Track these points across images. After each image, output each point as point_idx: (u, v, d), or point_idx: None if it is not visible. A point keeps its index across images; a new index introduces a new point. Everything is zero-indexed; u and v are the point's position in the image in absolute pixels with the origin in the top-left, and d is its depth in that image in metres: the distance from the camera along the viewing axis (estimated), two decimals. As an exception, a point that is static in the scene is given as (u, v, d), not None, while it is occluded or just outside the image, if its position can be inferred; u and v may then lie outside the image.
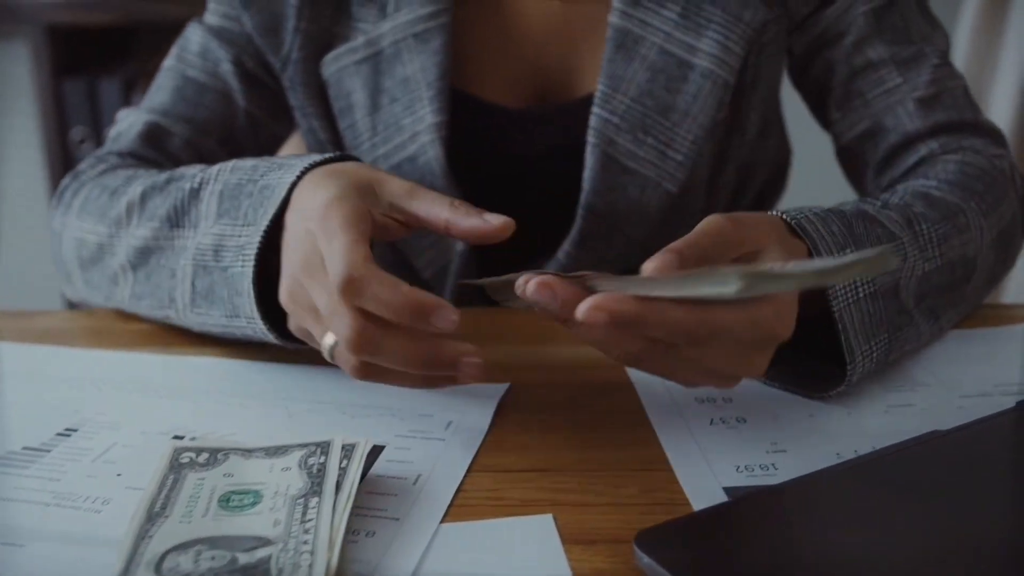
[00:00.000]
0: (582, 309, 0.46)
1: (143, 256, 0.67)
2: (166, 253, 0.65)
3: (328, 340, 0.53)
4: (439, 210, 0.56)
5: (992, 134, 0.80)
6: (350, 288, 0.49)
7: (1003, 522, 0.46)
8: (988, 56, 1.97)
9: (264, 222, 0.59)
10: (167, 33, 0.87)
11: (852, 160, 0.84)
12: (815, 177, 1.29)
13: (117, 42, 2.03)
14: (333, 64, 0.81)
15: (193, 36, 0.85)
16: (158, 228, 0.66)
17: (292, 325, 0.58)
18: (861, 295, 0.58)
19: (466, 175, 0.80)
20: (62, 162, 1.89)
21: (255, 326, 0.60)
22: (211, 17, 0.84)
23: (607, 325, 0.46)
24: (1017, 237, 0.76)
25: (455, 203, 0.56)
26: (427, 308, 0.48)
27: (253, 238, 0.59)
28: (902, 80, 0.79)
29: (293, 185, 0.59)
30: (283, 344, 0.61)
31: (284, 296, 0.56)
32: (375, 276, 0.49)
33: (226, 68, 0.83)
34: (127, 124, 0.83)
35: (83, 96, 1.87)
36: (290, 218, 0.57)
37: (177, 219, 0.65)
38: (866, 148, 0.82)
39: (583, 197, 0.79)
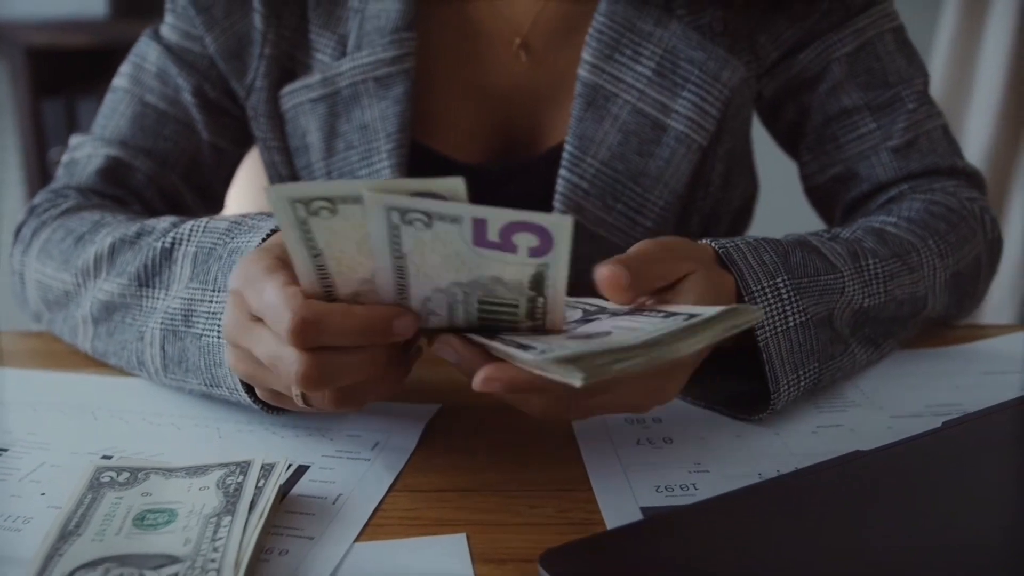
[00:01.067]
0: (477, 381, 0.45)
1: (107, 311, 0.65)
2: (132, 311, 0.63)
3: (295, 390, 0.50)
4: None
5: (969, 177, 0.79)
6: (306, 331, 0.46)
7: (917, 544, 0.46)
8: (968, 57, 2.00)
9: None
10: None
11: (822, 200, 0.84)
12: (787, 204, 1.30)
13: (95, 64, 2.03)
14: (289, 99, 0.79)
15: (150, 54, 0.81)
16: (126, 285, 0.64)
17: (260, 393, 0.54)
18: (791, 324, 0.58)
19: None
20: (41, 182, 1.90)
21: (238, 398, 0.58)
22: (169, 33, 0.80)
23: (503, 392, 0.46)
24: (978, 280, 0.75)
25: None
26: (387, 321, 0.47)
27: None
28: (876, 126, 0.78)
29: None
30: (270, 414, 0.59)
31: (233, 365, 0.53)
32: (326, 310, 0.47)
33: (187, 98, 0.79)
34: (84, 155, 0.80)
35: (62, 116, 1.89)
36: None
37: (147, 278, 0.63)
38: (837, 191, 0.81)
39: None
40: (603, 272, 0.50)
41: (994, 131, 1.98)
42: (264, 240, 0.56)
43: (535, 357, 0.42)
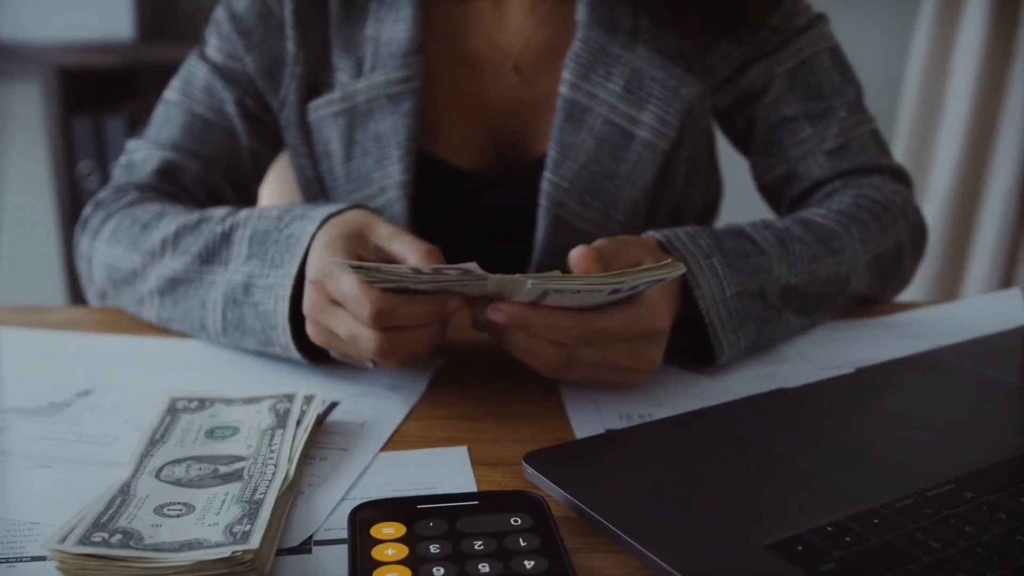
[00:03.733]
0: (490, 311, 0.61)
1: (172, 285, 0.77)
2: (194, 284, 0.75)
3: (367, 356, 0.63)
4: (411, 255, 0.63)
5: (895, 174, 0.93)
6: (382, 317, 0.60)
7: (827, 457, 0.58)
8: (941, 65, 2.17)
9: (293, 267, 0.68)
10: (168, 75, 0.97)
11: (771, 196, 0.98)
12: (752, 203, 1.43)
13: (122, 83, 2.16)
14: (315, 112, 0.91)
15: (198, 71, 0.92)
16: (189, 263, 0.75)
17: (333, 354, 0.68)
18: (728, 294, 0.71)
19: (429, 228, 0.90)
20: (69, 193, 2.02)
21: (289, 354, 0.70)
22: (214, 54, 0.93)
23: (508, 324, 0.61)
24: (902, 261, 0.88)
25: (425, 253, 0.63)
26: (442, 305, 0.61)
27: (284, 281, 0.69)
28: (813, 132, 0.92)
29: (313, 235, 0.68)
30: (312, 364, 0.71)
31: (313, 335, 0.67)
32: (396, 300, 0.60)
33: (230, 109, 0.92)
34: (141, 157, 0.92)
35: (90, 132, 2.00)
36: (307, 267, 0.66)
37: (208, 257, 0.75)
38: (782, 188, 0.95)
39: (535, 256, 0.89)
40: (578, 252, 0.63)
41: (967, 134, 2.14)
42: (319, 227, 0.69)
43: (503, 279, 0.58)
